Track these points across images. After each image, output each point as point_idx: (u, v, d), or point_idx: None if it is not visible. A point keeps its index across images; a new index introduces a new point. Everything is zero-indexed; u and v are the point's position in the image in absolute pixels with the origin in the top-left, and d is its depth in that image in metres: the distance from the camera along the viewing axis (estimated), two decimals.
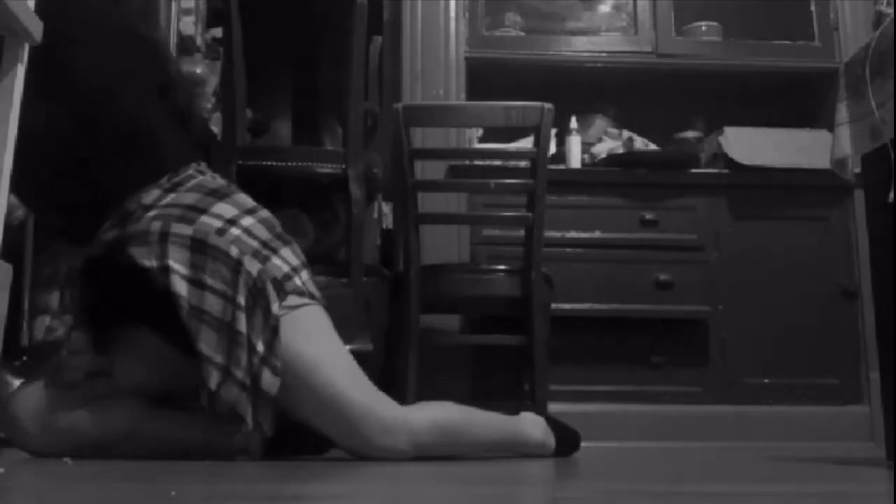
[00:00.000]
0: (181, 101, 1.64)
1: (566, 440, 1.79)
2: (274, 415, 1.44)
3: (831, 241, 3.15)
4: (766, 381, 3.06)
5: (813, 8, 3.40)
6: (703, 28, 3.41)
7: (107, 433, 1.50)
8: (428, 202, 2.73)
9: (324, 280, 1.85)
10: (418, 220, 2.53)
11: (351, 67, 2.29)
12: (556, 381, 2.73)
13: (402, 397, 1.93)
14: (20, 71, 1.24)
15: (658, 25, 3.35)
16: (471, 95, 3.25)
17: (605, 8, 3.54)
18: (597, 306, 3.05)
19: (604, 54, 3.36)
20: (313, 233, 2.57)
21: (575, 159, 3.28)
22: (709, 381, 3.06)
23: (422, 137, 2.99)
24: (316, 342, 1.49)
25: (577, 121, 3.33)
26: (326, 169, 2.32)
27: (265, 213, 1.59)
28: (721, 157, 3.20)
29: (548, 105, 2.44)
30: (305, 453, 1.65)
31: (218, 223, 1.49)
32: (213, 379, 1.41)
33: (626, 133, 3.41)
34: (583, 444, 1.86)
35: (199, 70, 2.96)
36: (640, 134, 3.41)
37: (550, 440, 1.76)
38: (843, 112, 1.84)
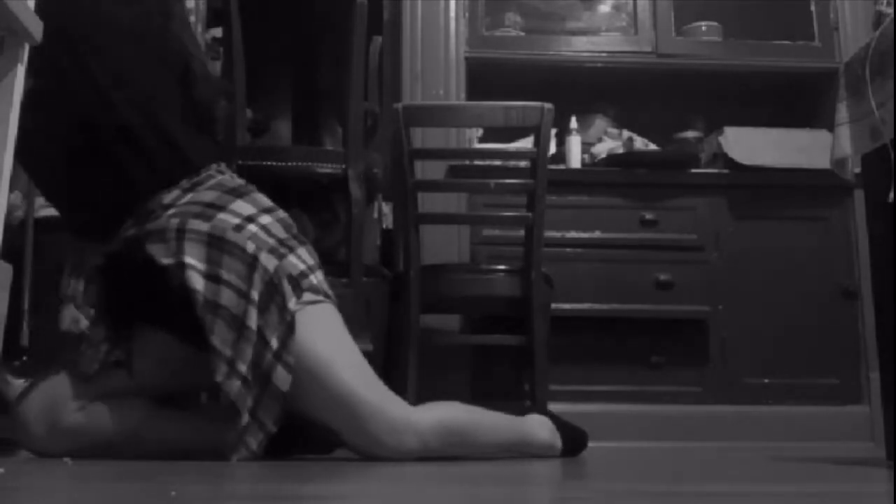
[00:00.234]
0: (204, 98, 1.63)
1: (573, 440, 1.80)
2: (281, 412, 1.44)
3: (831, 241, 3.15)
4: (766, 381, 3.06)
5: (813, 8, 3.40)
6: (703, 28, 3.41)
7: (108, 434, 1.51)
8: (428, 202, 2.73)
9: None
10: (418, 220, 2.53)
11: (351, 67, 2.29)
12: (556, 381, 2.73)
13: (402, 397, 1.93)
14: (20, 71, 1.24)
15: (658, 25, 3.35)
16: (471, 95, 3.25)
17: (605, 8, 3.54)
18: (597, 306, 3.05)
19: (604, 54, 3.36)
20: (313, 233, 2.57)
21: (575, 159, 3.28)
22: (709, 381, 3.06)
23: (422, 137, 2.99)
24: (329, 340, 1.49)
25: (577, 121, 3.33)
26: (326, 169, 2.32)
27: (282, 213, 1.60)
28: (721, 157, 3.20)
29: (548, 105, 2.44)
30: (312, 453, 1.65)
31: (235, 220, 1.50)
32: (220, 372, 1.42)
33: (626, 133, 3.41)
34: None
35: None
36: (640, 134, 3.41)
37: (557, 441, 1.76)
38: (843, 112, 1.84)
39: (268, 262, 1.47)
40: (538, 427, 1.74)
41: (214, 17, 3.07)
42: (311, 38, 2.72)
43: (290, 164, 2.32)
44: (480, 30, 3.34)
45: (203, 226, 1.48)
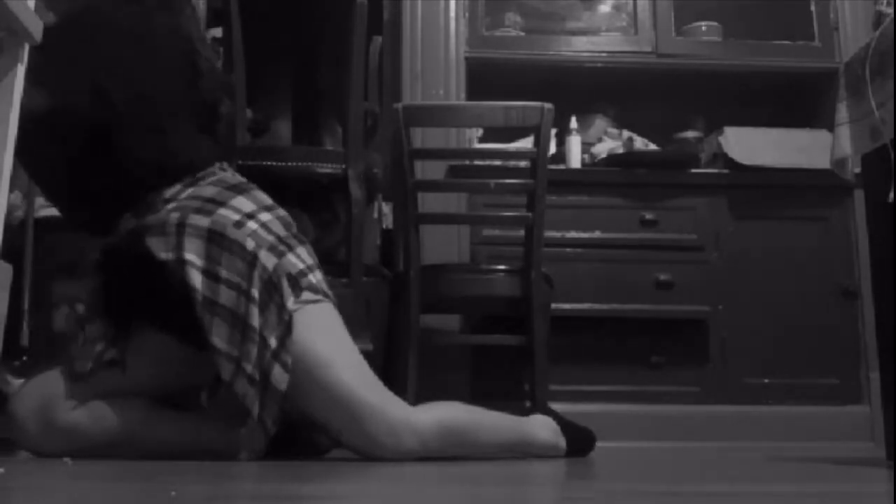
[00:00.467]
0: (208, 96, 1.63)
1: (578, 440, 1.79)
2: (279, 412, 1.44)
3: (831, 241, 3.15)
4: (766, 381, 3.06)
5: (813, 8, 3.40)
6: (703, 28, 3.41)
7: (107, 434, 1.50)
8: (428, 202, 2.73)
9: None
10: (418, 220, 2.53)
11: (351, 67, 2.29)
12: (556, 381, 2.73)
13: (402, 397, 1.93)
14: (20, 71, 1.24)
15: (658, 25, 3.35)
16: (471, 95, 3.25)
17: (605, 8, 3.54)
18: (597, 306, 3.05)
19: (604, 54, 3.36)
20: (313, 233, 2.57)
21: (575, 159, 3.28)
22: (709, 381, 3.06)
23: (422, 137, 2.99)
24: (328, 339, 1.49)
25: (577, 121, 3.33)
26: (326, 169, 2.32)
27: (282, 211, 1.60)
28: (721, 157, 3.20)
29: (548, 105, 2.44)
30: (307, 454, 1.65)
31: (235, 216, 1.50)
32: (227, 372, 1.42)
33: (626, 133, 3.41)
34: None
35: None
36: (640, 134, 3.41)
37: (561, 441, 1.75)
38: (843, 112, 1.84)
39: (267, 260, 1.47)
40: (540, 427, 1.74)
41: (214, 17, 3.07)
42: (311, 38, 2.72)
43: (290, 164, 2.32)
44: (480, 30, 3.34)
45: (203, 221, 1.47)
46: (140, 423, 1.53)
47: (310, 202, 2.57)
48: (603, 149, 3.32)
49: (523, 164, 2.83)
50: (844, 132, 1.83)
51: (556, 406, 2.58)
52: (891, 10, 1.89)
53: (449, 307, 2.77)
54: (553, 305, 2.72)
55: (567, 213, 3.08)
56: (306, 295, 1.49)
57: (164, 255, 1.45)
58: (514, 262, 2.58)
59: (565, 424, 1.79)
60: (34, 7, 1.26)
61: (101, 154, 1.53)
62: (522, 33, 3.41)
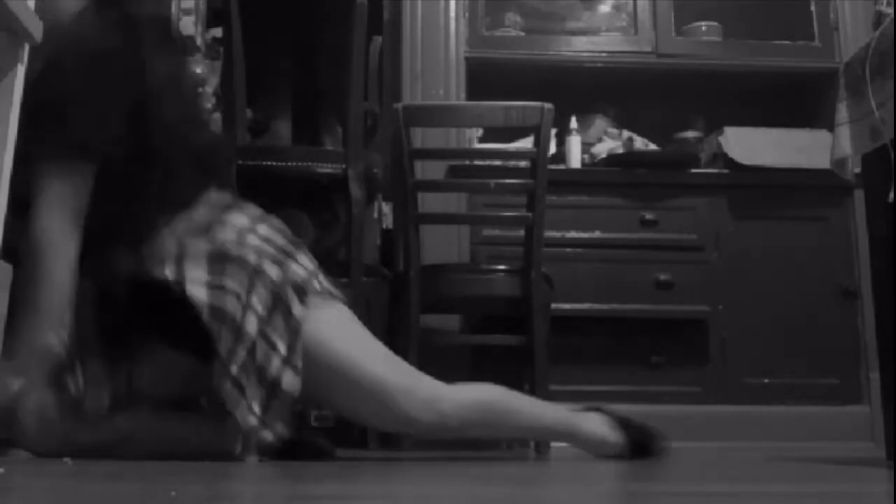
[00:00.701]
0: (172, 127, 1.61)
1: (639, 439, 1.75)
2: (290, 416, 1.45)
3: (831, 241, 3.15)
4: (766, 381, 3.06)
5: (813, 8, 3.40)
6: (703, 28, 3.41)
7: (110, 435, 1.50)
8: (428, 202, 2.73)
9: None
10: (418, 220, 2.53)
11: (351, 67, 2.29)
12: (556, 381, 2.73)
13: None
14: (20, 71, 1.24)
15: (658, 25, 3.35)
16: (471, 95, 3.25)
17: (605, 8, 3.54)
18: (597, 306, 3.05)
19: (604, 54, 3.36)
20: (313, 233, 2.57)
21: (575, 159, 3.28)
22: (709, 381, 3.06)
23: (422, 137, 2.99)
24: (344, 335, 1.51)
25: (577, 121, 3.33)
26: (326, 169, 2.32)
27: (276, 219, 1.61)
28: (721, 157, 3.20)
29: (548, 105, 2.44)
30: (308, 458, 1.65)
31: (233, 235, 1.51)
32: (216, 374, 1.42)
33: (626, 133, 3.41)
34: None
35: (199, 70, 2.97)
36: (640, 134, 3.41)
37: (613, 436, 1.72)
38: (843, 112, 1.84)
39: (271, 270, 1.48)
40: (589, 420, 1.73)
41: (214, 17, 3.07)
42: (311, 38, 2.72)
43: (290, 164, 2.32)
44: (480, 30, 3.35)
45: (203, 244, 1.48)
46: (140, 423, 1.53)
47: (310, 202, 2.57)
48: (603, 149, 3.32)
49: (523, 164, 2.83)
50: (844, 132, 1.84)
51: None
52: (891, 10, 1.89)
53: (449, 307, 2.77)
54: (553, 305, 2.72)
55: (567, 213, 3.08)
56: (314, 301, 1.50)
57: (168, 276, 1.44)
58: (514, 262, 2.58)
59: (623, 422, 1.75)
60: (34, 7, 1.27)
61: (109, 197, 1.52)
62: (522, 33, 3.41)
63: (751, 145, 3.17)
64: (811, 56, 3.38)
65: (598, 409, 1.79)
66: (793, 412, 3.01)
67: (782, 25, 3.44)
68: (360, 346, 1.52)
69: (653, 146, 3.38)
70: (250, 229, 1.53)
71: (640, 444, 1.75)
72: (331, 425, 2.24)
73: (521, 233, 2.57)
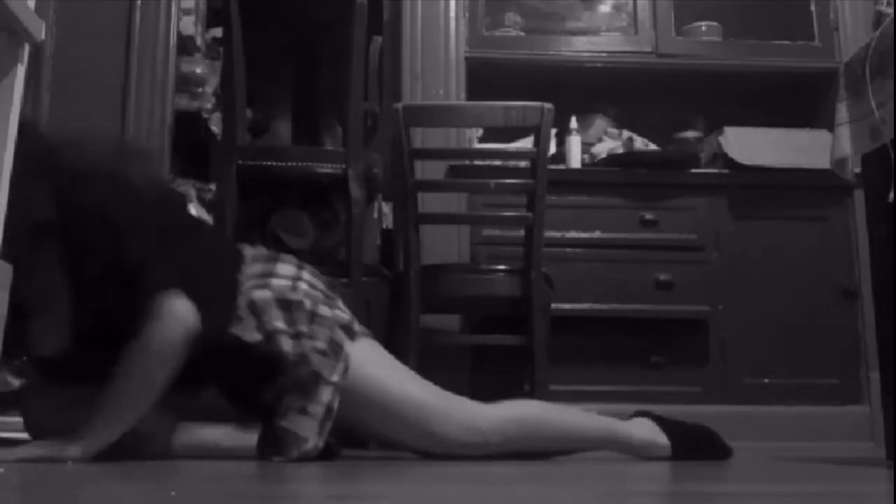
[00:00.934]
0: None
1: (684, 440, 1.76)
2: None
3: (831, 241, 3.15)
4: (766, 381, 3.05)
5: (813, 8, 3.40)
6: (703, 28, 3.41)
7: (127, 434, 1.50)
8: (428, 202, 2.73)
9: (324, 280, 1.87)
10: (418, 220, 2.53)
11: (351, 67, 2.30)
12: (556, 381, 2.73)
13: None
14: (20, 71, 1.24)
15: (658, 25, 3.35)
16: (471, 95, 3.25)
17: (605, 8, 3.54)
18: (597, 306, 3.05)
19: (604, 54, 3.36)
20: (313, 233, 2.57)
21: (575, 159, 3.28)
22: (709, 381, 3.06)
23: (422, 137, 2.99)
24: (384, 368, 1.62)
25: (577, 121, 3.33)
26: (326, 169, 2.32)
27: (311, 267, 1.69)
28: (721, 157, 3.20)
29: (548, 105, 2.44)
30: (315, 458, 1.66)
31: (287, 281, 1.59)
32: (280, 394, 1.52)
33: (626, 133, 3.41)
34: None
35: (199, 70, 2.97)
36: (640, 134, 3.41)
37: (660, 439, 1.73)
38: (843, 112, 1.84)
39: (325, 312, 1.58)
40: (636, 426, 1.74)
41: (214, 17, 3.08)
42: (311, 38, 2.72)
43: (290, 164, 2.32)
44: (480, 30, 3.35)
45: (266, 293, 1.54)
46: (162, 424, 1.55)
47: (310, 202, 2.57)
48: (603, 149, 3.32)
49: (523, 164, 2.83)
50: (844, 132, 1.83)
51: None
52: (891, 10, 1.89)
53: (449, 307, 2.77)
54: (553, 305, 2.72)
55: (567, 213, 3.08)
56: (358, 338, 1.60)
57: (253, 336, 1.50)
58: (514, 262, 2.58)
59: (667, 424, 1.76)
60: (34, 7, 1.27)
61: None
62: (522, 33, 3.41)
63: (751, 145, 3.17)
64: (811, 56, 3.38)
65: (645, 414, 1.80)
66: (793, 412, 3.01)
67: (782, 25, 3.44)
68: (398, 377, 1.61)
69: (653, 146, 3.38)
70: (298, 277, 1.61)
71: (693, 446, 1.77)
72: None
73: (521, 233, 2.57)
